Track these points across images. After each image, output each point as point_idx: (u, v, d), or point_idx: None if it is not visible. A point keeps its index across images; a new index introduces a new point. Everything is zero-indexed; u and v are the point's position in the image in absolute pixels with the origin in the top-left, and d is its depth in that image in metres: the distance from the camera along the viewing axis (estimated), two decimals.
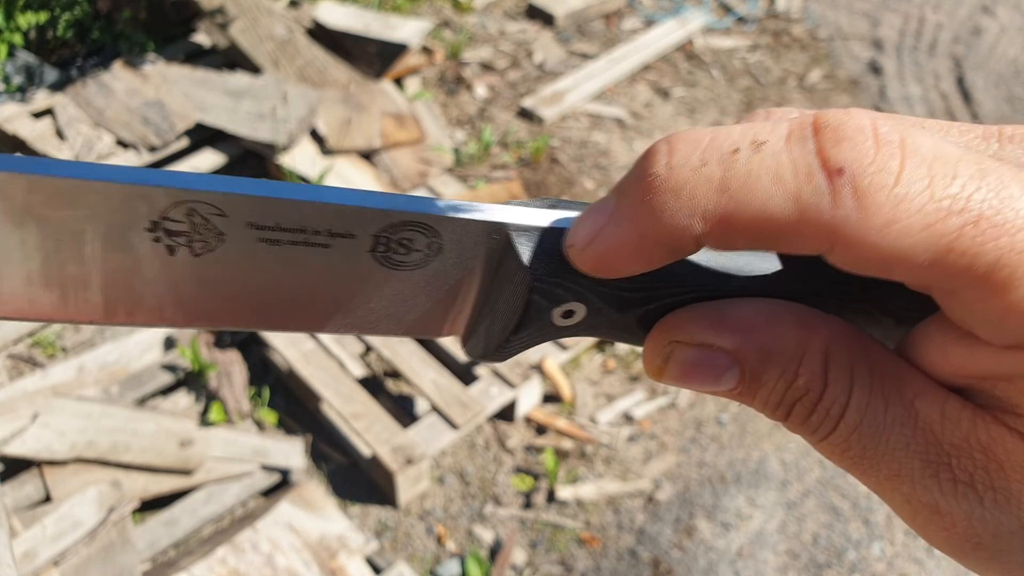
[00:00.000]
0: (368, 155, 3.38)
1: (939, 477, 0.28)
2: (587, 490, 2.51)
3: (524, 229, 0.32)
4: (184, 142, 3.25)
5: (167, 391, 2.60)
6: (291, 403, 2.65)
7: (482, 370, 2.63)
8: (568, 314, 0.32)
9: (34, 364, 2.66)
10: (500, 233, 0.32)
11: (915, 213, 0.24)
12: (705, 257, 0.33)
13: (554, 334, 0.33)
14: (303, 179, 3.18)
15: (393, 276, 0.32)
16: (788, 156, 0.25)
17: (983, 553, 0.28)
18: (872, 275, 0.27)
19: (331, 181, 3.19)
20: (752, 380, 0.30)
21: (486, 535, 2.41)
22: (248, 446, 2.41)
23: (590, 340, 2.78)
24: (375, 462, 2.41)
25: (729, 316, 0.31)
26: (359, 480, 2.50)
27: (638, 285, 0.32)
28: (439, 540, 2.40)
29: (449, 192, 3.30)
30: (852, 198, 0.25)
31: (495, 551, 2.37)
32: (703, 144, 0.26)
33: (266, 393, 2.63)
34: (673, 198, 0.26)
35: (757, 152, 0.26)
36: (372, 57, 3.69)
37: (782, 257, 0.33)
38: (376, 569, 2.23)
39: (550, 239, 0.31)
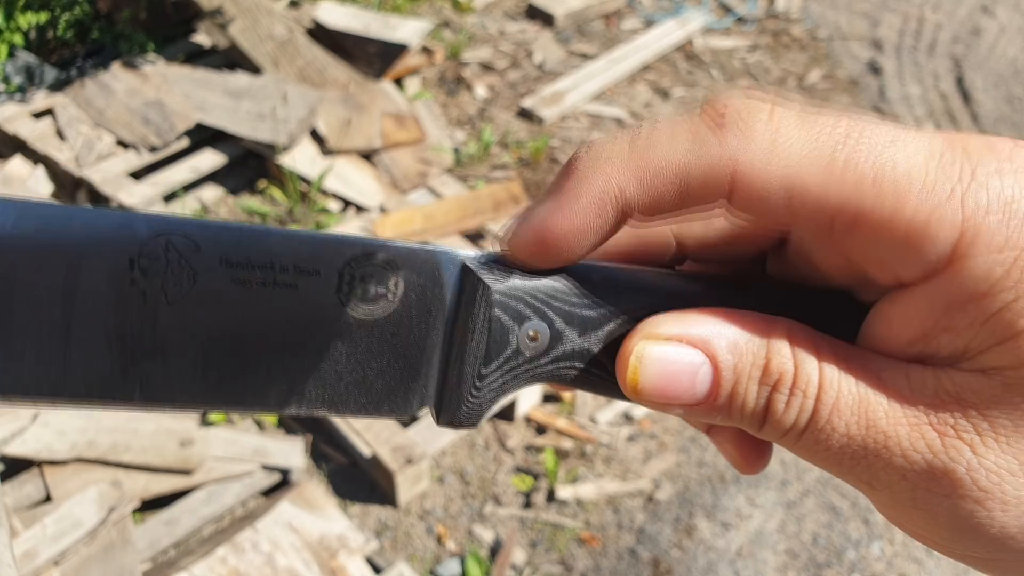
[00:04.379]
0: (368, 155, 3.39)
1: (925, 438, 0.29)
2: (587, 490, 2.52)
3: (481, 260, 0.34)
4: (184, 142, 3.26)
5: None
6: None
7: None
8: (534, 337, 0.33)
9: None
10: (458, 266, 0.33)
11: (793, 136, 0.28)
12: (651, 279, 0.34)
13: (524, 370, 0.34)
14: (303, 179, 3.19)
15: (360, 325, 0.33)
16: (680, 119, 0.30)
17: (995, 518, 0.28)
18: (779, 215, 0.29)
19: (331, 181, 3.19)
20: (726, 374, 0.31)
21: (486, 535, 2.41)
22: (248, 446, 2.42)
23: None
24: (375, 462, 2.42)
25: (695, 313, 0.32)
26: (359, 480, 2.50)
27: (591, 300, 0.33)
28: (439, 540, 2.40)
29: (449, 192, 3.31)
30: (737, 130, 0.29)
31: (495, 551, 2.37)
32: (614, 133, 0.31)
33: None
34: (593, 163, 0.31)
35: (656, 124, 0.31)
36: (372, 57, 3.69)
37: (722, 286, 0.35)
38: (376, 569, 2.24)
39: (505, 263, 0.33)
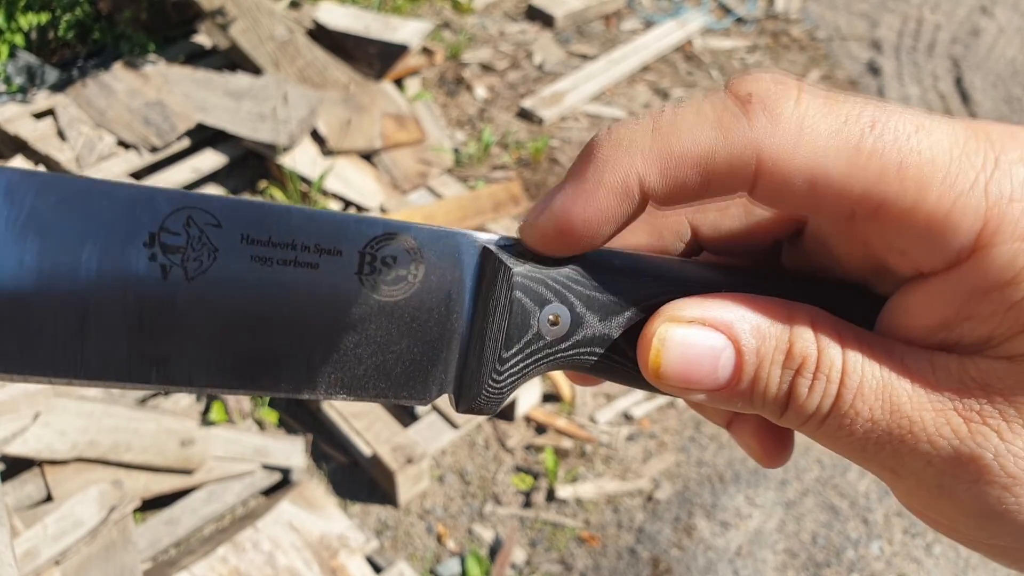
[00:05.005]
0: (368, 156, 3.39)
1: (951, 424, 0.28)
2: (586, 489, 2.52)
3: (501, 244, 0.33)
4: (185, 143, 3.26)
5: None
6: (292, 402, 2.66)
7: None
8: (554, 321, 0.33)
9: None
10: (479, 249, 0.33)
11: (820, 122, 0.28)
12: (673, 266, 0.34)
13: (545, 355, 0.33)
14: (304, 179, 3.19)
15: (380, 308, 0.32)
16: (705, 100, 0.29)
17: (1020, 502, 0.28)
18: (801, 203, 0.29)
19: (332, 182, 3.20)
20: (749, 358, 0.31)
21: (486, 534, 2.42)
22: (249, 445, 2.42)
23: None
24: (375, 461, 2.42)
25: (718, 297, 0.32)
26: (359, 479, 2.51)
27: (612, 285, 0.33)
28: (439, 539, 2.41)
29: (449, 192, 3.31)
30: (763, 114, 0.28)
31: (495, 550, 2.38)
32: (636, 115, 0.31)
33: None
34: (614, 148, 0.30)
35: (680, 105, 0.30)
36: (372, 58, 3.69)
37: (743, 275, 0.35)
38: (376, 568, 2.24)
39: (527, 248, 0.33)
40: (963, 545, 0.31)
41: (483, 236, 0.33)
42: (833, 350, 0.30)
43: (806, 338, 0.30)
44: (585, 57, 4.36)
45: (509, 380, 0.33)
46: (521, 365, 0.33)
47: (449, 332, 0.33)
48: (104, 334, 0.29)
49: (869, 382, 0.29)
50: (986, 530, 0.29)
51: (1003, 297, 0.27)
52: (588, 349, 0.33)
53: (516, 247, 0.33)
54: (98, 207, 0.29)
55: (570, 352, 0.33)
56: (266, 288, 0.31)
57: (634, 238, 0.37)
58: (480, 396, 0.33)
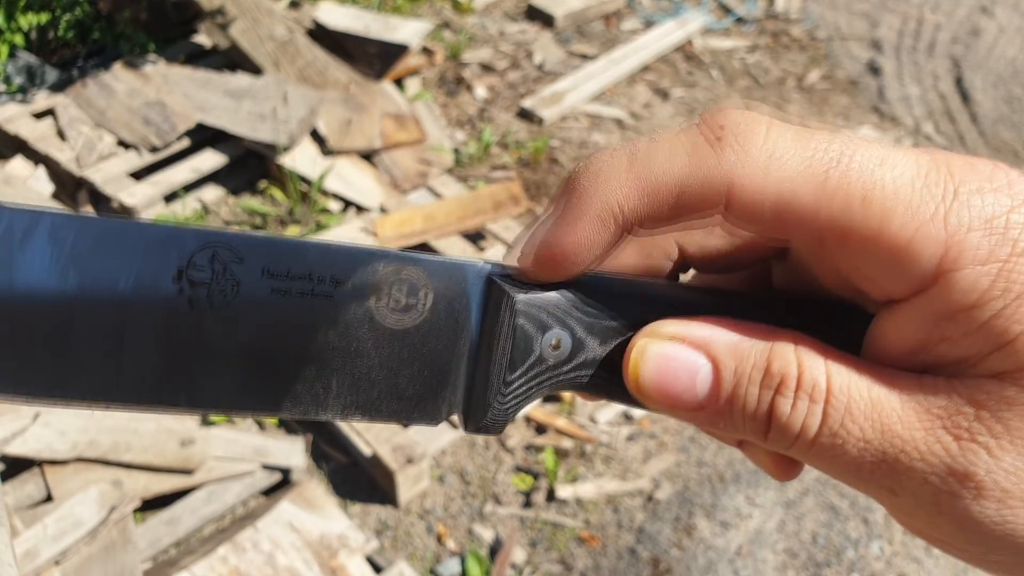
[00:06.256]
0: (368, 156, 3.39)
1: (941, 442, 0.29)
2: (587, 489, 2.52)
3: (506, 272, 0.35)
4: (185, 142, 3.26)
5: None
6: None
7: None
8: (556, 346, 0.34)
9: None
10: (484, 278, 0.35)
11: (788, 155, 0.29)
12: (669, 292, 0.36)
13: (547, 378, 0.35)
14: (304, 179, 3.19)
15: (391, 334, 0.34)
16: (679, 132, 0.31)
17: (1020, 517, 0.29)
18: (772, 229, 0.30)
19: (332, 181, 3.20)
20: (726, 375, 0.31)
21: (486, 534, 2.42)
22: (249, 445, 2.42)
23: None
24: (375, 461, 2.42)
25: (699, 319, 0.33)
26: (360, 479, 2.51)
27: (611, 310, 0.35)
28: (439, 539, 2.41)
29: (450, 192, 3.31)
30: (734, 145, 0.30)
31: (495, 550, 2.38)
32: (613, 147, 0.32)
33: None
34: (592, 180, 0.32)
35: (655, 139, 0.31)
36: (372, 58, 3.69)
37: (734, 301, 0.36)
38: (376, 568, 2.24)
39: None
40: (962, 560, 0.32)
41: (489, 265, 0.35)
42: (816, 371, 0.30)
43: (786, 358, 0.31)
44: (585, 57, 4.36)
45: (514, 402, 0.35)
46: (525, 387, 0.35)
47: (457, 356, 0.35)
48: (136, 361, 0.32)
49: (857, 403, 0.30)
50: (984, 545, 0.30)
51: (971, 318, 0.28)
52: (589, 371, 0.35)
53: (519, 275, 0.35)
54: (133, 244, 0.32)
55: (571, 374, 0.35)
56: (285, 318, 0.33)
57: (623, 258, 0.38)
58: (487, 417, 0.35)
